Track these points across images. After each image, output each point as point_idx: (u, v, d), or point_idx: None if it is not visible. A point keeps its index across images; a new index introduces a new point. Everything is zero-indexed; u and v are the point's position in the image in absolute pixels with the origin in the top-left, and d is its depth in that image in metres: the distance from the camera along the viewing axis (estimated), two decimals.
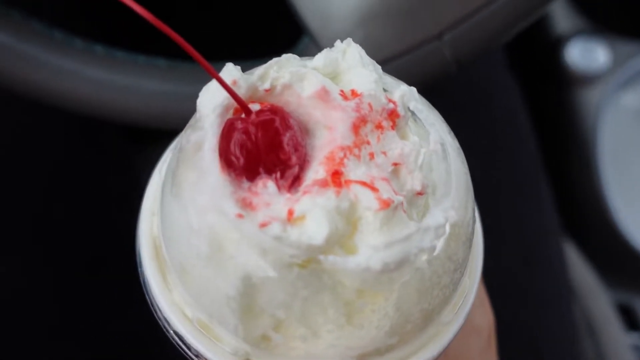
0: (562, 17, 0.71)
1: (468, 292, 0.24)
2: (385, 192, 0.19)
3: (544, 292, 0.50)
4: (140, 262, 0.23)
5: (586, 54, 0.69)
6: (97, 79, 0.35)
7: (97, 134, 0.53)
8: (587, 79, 0.69)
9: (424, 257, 0.20)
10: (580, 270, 0.62)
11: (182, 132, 0.25)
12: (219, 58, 0.25)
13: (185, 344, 0.22)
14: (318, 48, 0.34)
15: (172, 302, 0.22)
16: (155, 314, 0.23)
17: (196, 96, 0.36)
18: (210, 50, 0.25)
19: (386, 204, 0.19)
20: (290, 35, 0.37)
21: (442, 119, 0.23)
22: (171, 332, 0.22)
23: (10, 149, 0.48)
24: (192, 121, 0.21)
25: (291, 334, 0.20)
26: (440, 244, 0.20)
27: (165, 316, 0.22)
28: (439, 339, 0.22)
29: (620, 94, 0.71)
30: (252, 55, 0.33)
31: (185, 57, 0.38)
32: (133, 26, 0.48)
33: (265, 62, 0.21)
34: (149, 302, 0.23)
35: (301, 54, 0.22)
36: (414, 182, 0.20)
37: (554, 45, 0.70)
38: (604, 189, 0.69)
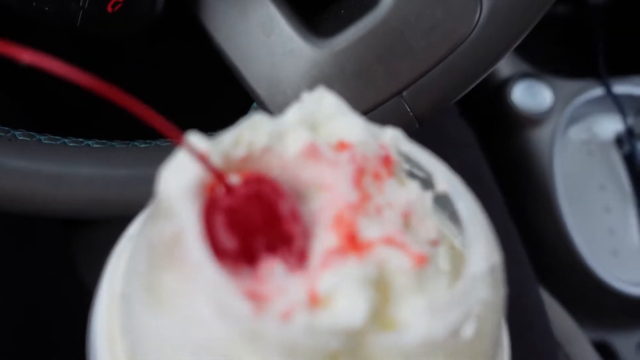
0: (505, 62, 0.72)
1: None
2: (414, 246, 0.16)
3: (533, 347, 0.48)
4: None
5: (531, 96, 0.70)
6: (19, 169, 0.31)
7: (27, 220, 0.49)
8: (535, 120, 0.70)
9: (483, 308, 0.16)
10: (559, 316, 0.60)
11: (135, 226, 0.20)
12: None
13: None
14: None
15: None
16: None
17: (136, 179, 0.33)
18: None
19: (421, 259, 0.16)
20: (240, 104, 0.34)
21: (438, 159, 0.20)
22: None
23: None
24: (152, 210, 0.17)
25: None
26: (491, 290, 0.17)
27: None
28: None
29: (568, 130, 0.72)
30: (200, 126, 0.30)
31: (119, 136, 0.34)
32: (63, 110, 0.43)
33: (216, 133, 0.18)
34: None
35: None
36: (427, 230, 0.17)
37: (499, 90, 0.71)
38: (567, 227, 0.69)
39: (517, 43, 0.35)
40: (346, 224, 0.16)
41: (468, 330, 0.16)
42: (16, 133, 0.32)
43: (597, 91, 0.72)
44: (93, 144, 0.33)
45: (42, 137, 0.32)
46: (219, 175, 0.16)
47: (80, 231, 0.57)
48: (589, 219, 0.70)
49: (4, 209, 0.32)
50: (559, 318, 0.61)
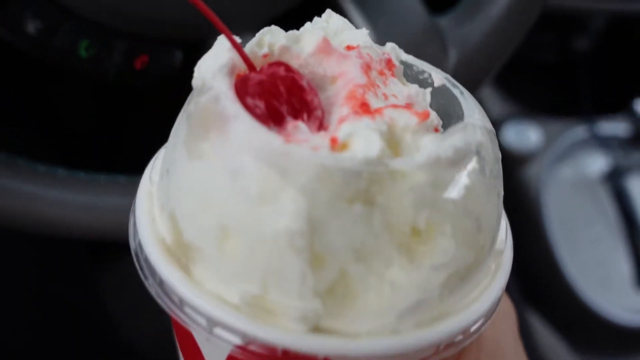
0: (494, 104, 0.77)
1: (508, 238, 0.22)
2: (419, 107, 0.19)
3: None
4: (154, 272, 0.19)
5: (520, 135, 0.74)
6: (61, 200, 0.37)
7: (60, 253, 0.54)
8: (524, 158, 0.74)
9: (482, 149, 0.19)
10: (548, 342, 0.63)
11: (181, 112, 0.21)
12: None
13: (237, 332, 0.18)
14: None
15: (205, 292, 0.18)
16: (185, 319, 0.19)
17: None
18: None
19: (425, 115, 0.19)
20: None
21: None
22: (216, 329, 0.18)
23: None
24: (194, 92, 0.19)
25: (361, 279, 0.17)
26: (488, 139, 0.19)
27: (204, 310, 0.18)
28: (502, 269, 0.21)
29: (556, 167, 0.76)
30: None
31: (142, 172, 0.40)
32: (93, 149, 0.50)
33: None
34: (174, 312, 0.19)
35: None
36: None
37: None
38: (558, 259, 0.72)
39: (485, 83, 0.40)
40: (358, 98, 0.19)
41: (470, 164, 0.18)
42: (59, 170, 0.38)
43: (583, 131, 0.77)
44: (122, 178, 0.38)
45: (80, 173, 0.38)
46: (248, 61, 0.19)
47: (104, 262, 0.62)
48: (579, 251, 0.73)
49: (49, 234, 0.37)
50: (548, 344, 0.64)
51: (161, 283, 0.19)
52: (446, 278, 0.18)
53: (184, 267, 0.19)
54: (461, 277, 0.19)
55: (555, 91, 0.86)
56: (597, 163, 0.77)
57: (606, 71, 0.85)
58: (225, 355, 0.20)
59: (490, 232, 0.20)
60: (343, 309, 0.18)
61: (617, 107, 0.80)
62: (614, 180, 0.76)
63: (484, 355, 0.23)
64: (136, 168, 0.40)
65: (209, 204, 0.18)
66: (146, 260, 0.19)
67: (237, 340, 0.18)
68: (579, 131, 0.77)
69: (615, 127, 0.78)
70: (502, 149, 0.74)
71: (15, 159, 0.36)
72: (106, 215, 0.37)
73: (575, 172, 0.77)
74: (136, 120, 0.54)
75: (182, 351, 0.24)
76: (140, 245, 0.20)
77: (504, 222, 0.22)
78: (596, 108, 0.78)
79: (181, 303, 0.19)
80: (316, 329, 0.18)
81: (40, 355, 0.49)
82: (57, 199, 0.36)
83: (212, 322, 0.18)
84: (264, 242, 0.17)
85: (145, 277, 0.20)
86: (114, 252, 0.63)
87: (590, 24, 0.84)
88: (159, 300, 0.19)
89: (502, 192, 0.21)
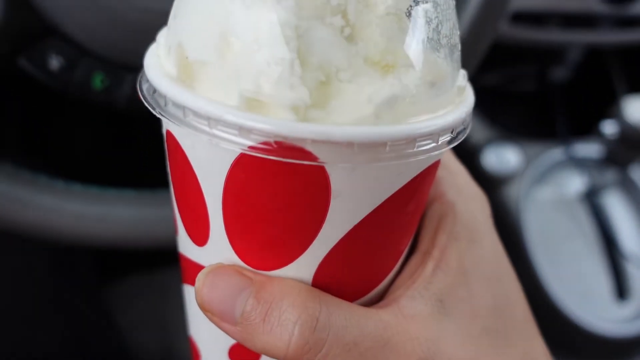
0: (476, 130, 0.82)
1: (468, 87, 0.24)
2: None
3: None
4: (162, 97, 0.21)
5: (500, 158, 0.79)
6: (77, 212, 0.42)
7: (71, 270, 0.59)
8: (505, 179, 0.79)
9: None
10: None
11: None
12: None
13: (234, 125, 0.19)
14: None
15: (207, 100, 0.20)
16: (189, 125, 0.20)
17: (161, 219, 0.43)
18: None
19: None
20: None
21: None
22: (217, 129, 0.20)
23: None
24: None
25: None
26: None
27: (205, 112, 0.20)
28: (467, 100, 0.23)
29: (535, 187, 0.80)
30: None
31: (150, 185, 0.45)
32: (105, 166, 0.56)
33: None
34: (179, 122, 0.20)
35: None
36: None
37: (471, 154, 0.80)
38: (539, 274, 0.75)
39: None
40: None
41: None
42: (74, 185, 0.43)
43: (560, 153, 0.81)
44: (130, 192, 0.44)
45: (93, 189, 0.43)
46: None
47: (113, 279, 0.66)
48: (559, 266, 0.76)
49: (64, 244, 0.43)
50: None
51: (167, 103, 0.21)
52: (417, 80, 0.21)
53: (189, 87, 0.21)
54: (429, 83, 0.21)
55: (533, 117, 0.90)
56: (573, 182, 0.81)
57: (580, 98, 0.90)
58: (223, 175, 0.21)
59: (450, 48, 0.22)
60: (327, 101, 0.19)
61: (590, 130, 0.84)
62: (591, 198, 0.80)
63: (459, 225, 0.25)
64: (142, 183, 0.46)
65: (210, 17, 0.20)
66: (155, 91, 0.21)
67: (235, 135, 0.19)
68: (556, 153, 0.81)
69: (589, 148, 0.82)
70: (484, 171, 0.79)
71: (37, 175, 0.42)
72: (116, 225, 0.42)
73: (554, 192, 0.81)
74: (142, 142, 0.59)
75: (176, 193, 0.24)
76: (150, 84, 0.21)
77: (464, 72, 0.24)
78: (571, 131, 0.83)
79: (185, 113, 0.20)
80: (305, 119, 0.19)
81: None
82: (74, 210, 0.42)
83: (213, 121, 0.19)
84: (258, 38, 0.19)
85: (153, 108, 0.21)
86: (122, 268, 0.67)
87: (567, 56, 0.89)
88: (166, 118, 0.21)
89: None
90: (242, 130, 0.19)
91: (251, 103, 0.19)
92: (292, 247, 0.22)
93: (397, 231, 0.23)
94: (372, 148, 0.20)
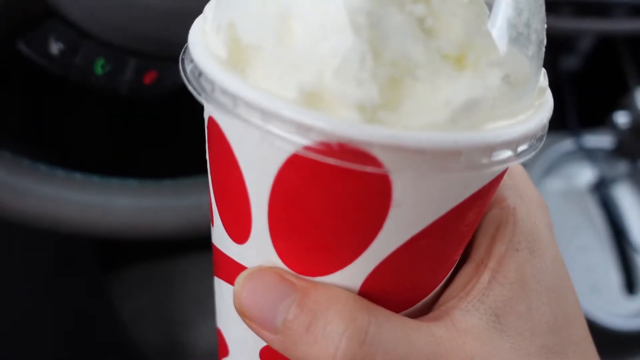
0: None
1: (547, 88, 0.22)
2: None
3: None
4: (209, 82, 0.19)
5: None
6: (77, 201, 0.41)
7: (72, 262, 0.58)
8: None
9: None
10: None
11: None
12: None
13: (292, 122, 0.17)
14: None
15: (261, 90, 0.18)
16: (238, 116, 0.18)
17: (164, 209, 0.42)
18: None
19: None
20: None
21: None
22: (271, 125, 0.17)
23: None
24: None
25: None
26: None
27: (259, 104, 0.17)
28: (546, 103, 0.21)
29: (545, 179, 0.79)
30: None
31: (153, 175, 0.44)
32: (107, 155, 0.55)
33: None
34: (228, 112, 0.18)
35: None
36: None
37: None
38: None
39: None
40: None
41: None
42: (75, 175, 0.42)
43: (570, 144, 0.80)
44: (133, 182, 0.43)
45: (94, 178, 0.42)
46: None
47: (115, 270, 0.66)
48: (568, 259, 0.74)
49: (65, 233, 0.42)
50: None
51: (215, 90, 0.18)
52: (500, 80, 0.18)
53: (240, 73, 0.19)
54: (512, 84, 0.19)
55: None
56: (584, 174, 0.81)
57: (591, 87, 0.89)
58: (273, 174, 0.19)
59: (538, 44, 0.20)
60: (399, 101, 0.17)
61: (601, 120, 0.83)
62: (601, 189, 0.79)
63: (520, 234, 0.23)
64: (145, 173, 0.45)
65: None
66: (200, 74, 0.19)
67: (292, 133, 0.17)
68: (566, 144, 0.80)
69: (600, 139, 0.81)
70: None
71: (37, 164, 0.41)
72: (118, 215, 0.41)
73: (563, 183, 0.80)
74: (145, 130, 0.58)
75: (215, 184, 0.22)
76: (195, 66, 0.19)
77: (544, 70, 0.22)
78: (581, 122, 0.82)
79: (236, 103, 0.18)
80: (372, 121, 0.17)
81: (50, 357, 0.52)
82: (74, 199, 0.40)
83: (267, 116, 0.17)
84: (324, 23, 0.17)
85: (198, 93, 0.19)
86: (124, 260, 0.67)
87: (578, 45, 0.88)
88: (213, 106, 0.19)
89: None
90: (301, 127, 0.17)
91: (311, 98, 0.17)
92: (342, 255, 0.20)
93: (454, 242, 0.22)
94: (445, 157, 0.17)
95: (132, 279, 0.67)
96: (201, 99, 0.19)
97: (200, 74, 0.19)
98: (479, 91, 0.18)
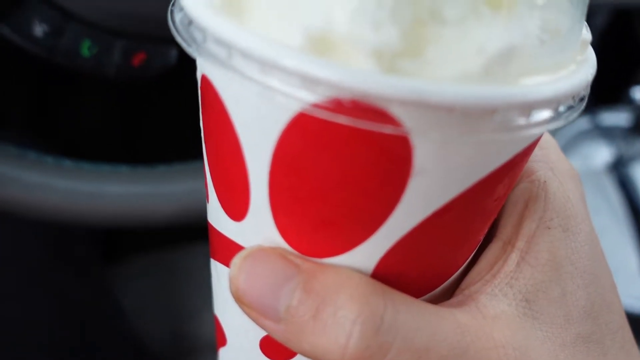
0: None
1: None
2: None
3: None
4: (200, 30, 0.16)
5: None
6: (68, 189, 0.40)
7: (70, 255, 0.57)
8: None
9: None
10: None
11: None
12: None
13: (296, 73, 0.15)
14: None
15: (260, 36, 0.15)
16: (233, 69, 0.16)
17: (157, 195, 0.41)
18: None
19: None
20: None
21: None
22: (271, 77, 0.15)
23: None
24: None
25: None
26: None
27: (257, 54, 0.15)
28: (590, 59, 0.18)
29: None
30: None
31: (145, 161, 0.43)
32: (97, 141, 0.53)
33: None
34: (221, 64, 0.16)
35: None
36: None
37: None
38: None
39: None
40: None
41: None
42: (65, 162, 0.41)
43: (586, 122, 0.78)
44: (125, 168, 0.41)
45: (84, 164, 0.41)
46: None
47: (117, 261, 0.65)
48: None
49: (56, 222, 0.40)
50: None
51: (206, 39, 0.16)
52: (540, 26, 0.16)
53: (236, 19, 0.16)
54: (554, 33, 0.16)
55: None
56: (600, 153, 0.78)
57: (606, 63, 0.86)
58: (275, 137, 0.17)
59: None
60: (423, 48, 0.15)
61: (617, 97, 0.81)
62: (618, 169, 0.77)
63: (552, 210, 0.21)
64: (137, 159, 0.43)
65: None
66: (190, 23, 0.17)
67: (296, 88, 0.15)
68: (582, 122, 0.78)
69: (617, 117, 0.79)
70: None
71: (25, 152, 0.40)
72: (110, 202, 0.40)
73: (579, 164, 0.78)
74: (136, 114, 0.57)
75: (209, 154, 0.20)
76: (185, 14, 0.17)
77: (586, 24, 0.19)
78: (597, 99, 0.80)
79: (230, 54, 0.15)
80: (391, 71, 0.15)
81: (51, 351, 0.52)
82: (64, 187, 0.39)
83: (267, 67, 0.15)
84: None
85: (188, 44, 0.17)
86: (127, 250, 0.66)
87: (593, 20, 0.85)
88: (204, 59, 0.16)
89: None
90: (306, 80, 0.14)
91: (320, 44, 0.15)
92: (353, 232, 0.18)
93: (480, 219, 0.19)
94: (477, 116, 0.15)
95: (134, 269, 0.66)
96: (191, 50, 0.16)
97: (190, 22, 0.17)
98: (518, 37, 0.15)
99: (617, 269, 0.73)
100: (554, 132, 0.78)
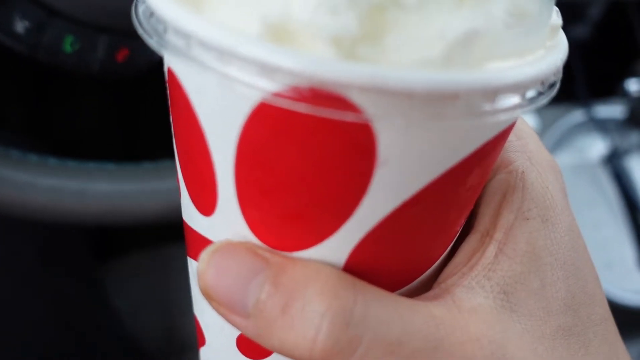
0: None
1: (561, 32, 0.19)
2: None
3: None
4: (159, 21, 0.16)
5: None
6: (52, 187, 0.39)
7: (62, 254, 0.57)
8: None
9: None
10: None
11: None
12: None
13: (255, 62, 0.14)
14: None
15: (219, 26, 0.15)
16: (193, 58, 0.15)
17: (144, 193, 0.41)
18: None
19: None
20: None
21: None
22: (230, 66, 0.15)
23: None
24: None
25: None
26: None
27: (215, 42, 0.15)
28: (560, 45, 0.18)
29: (555, 152, 0.77)
30: None
31: (131, 158, 0.42)
32: (82, 138, 0.53)
33: None
34: (181, 54, 0.16)
35: None
36: None
37: None
38: None
39: None
40: None
41: None
42: (49, 159, 0.40)
43: (580, 115, 0.78)
44: (111, 166, 0.41)
45: (69, 162, 0.40)
46: None
47: (109, 260, 0.64)
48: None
49: (41, 221, 0.40)
50: None
51: (167, 30, 0.16)
52: (506, 10, 0.16)
53: (195, 8, 0.16)
54: (519, 16, 0.16)
55: None
56: (595, 146, 0.78)
57: (600, 55, 0.85)
58: (238, 128, 0.16)
59: None
60: (382, 33, 0.15)
61: (611, 89, 0.80)
62: (613, 161, 0.76)
63: (530, 200, 0.20)
64: (123, 156, 0.43)
65: None
66: (152, 15, 0.17)
67: (255, 76, 0.14)
68: (576, 115, 0.77)
69: (611, 109, 0.78)
70: None
71: (9, 150, 0.39)
72: (95, 200, 0.39)
73: (574, 156, 0.78)
74: (122, 111, 0.56)
75: (178, 149, 0.20)
76: (147, 6, 0.17)
77: (556, 8, 0.19)
78: (591, 92, 0.79)
79: (189, 44, 0.15)
80: (350, 57, 0.14)
81: (44, 351, 0.51)
82: (49, 185, 0.39)
83: (225, 55, 0.15)
84: None
85: (150, 36, 0.16)
86: (119, 248, 0.65)
87: (587, 12, 0.85)
88: (165, 50, 0.16)
89: None
90: (265, 68, 0.14)
91: (278, 32, 0.15)
92: (322, 224, 0.17)
93: (454, 209, 0.19)
94: (439, 101, 0.15)
95: (127, 268, 0.66)
96: (152, 43, 0.16)
97: (152, 13, 0.16)
98: (480, 22, 0.15)
99: (613, 263, 0.73)
100: (547, 125, 0.78)
